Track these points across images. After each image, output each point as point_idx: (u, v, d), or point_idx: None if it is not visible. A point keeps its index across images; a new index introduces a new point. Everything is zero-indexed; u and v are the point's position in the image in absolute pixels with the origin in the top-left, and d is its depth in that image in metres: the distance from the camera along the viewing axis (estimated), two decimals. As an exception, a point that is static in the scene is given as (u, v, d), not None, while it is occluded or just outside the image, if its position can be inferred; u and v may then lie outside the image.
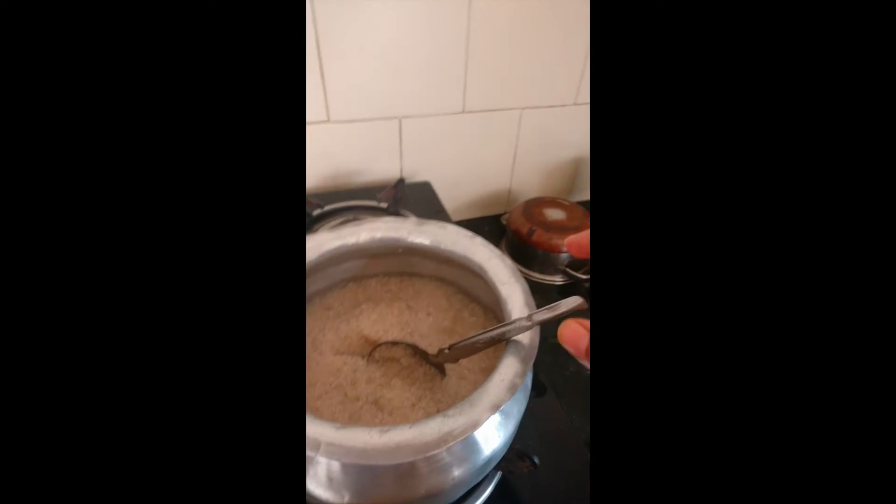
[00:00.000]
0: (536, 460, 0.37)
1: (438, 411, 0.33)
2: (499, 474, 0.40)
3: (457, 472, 0.28)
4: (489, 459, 0.30)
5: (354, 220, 0.40)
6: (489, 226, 0.83)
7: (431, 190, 0.75)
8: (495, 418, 0.29)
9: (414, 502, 0.28)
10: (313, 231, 0.41)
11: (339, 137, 0.69)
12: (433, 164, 0.77)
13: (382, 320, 0.41)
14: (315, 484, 0.27)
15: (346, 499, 0.27)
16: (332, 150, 0.70)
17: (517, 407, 0.31)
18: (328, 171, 0.72)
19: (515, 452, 0.37)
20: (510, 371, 0.28)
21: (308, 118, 0.66)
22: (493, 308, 0.40)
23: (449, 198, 0.78)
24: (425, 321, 0.41)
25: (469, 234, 0.38)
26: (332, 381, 0.37)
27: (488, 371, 0.30)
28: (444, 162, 0.77)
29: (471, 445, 0.28)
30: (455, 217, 0.82)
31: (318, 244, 0.37)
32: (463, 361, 0.37)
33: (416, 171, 0.77)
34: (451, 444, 0.24)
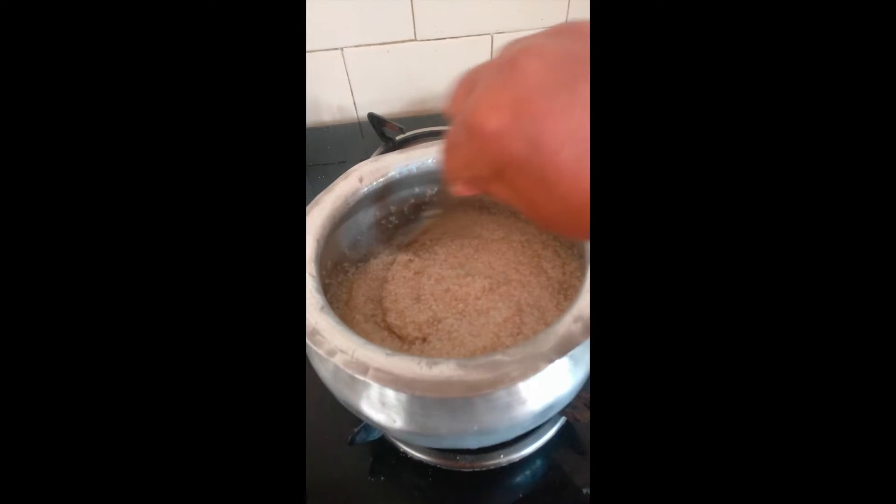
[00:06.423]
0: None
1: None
2: (563, 419, 0.37)
3: (514, 414, 0.26)
4: (552, 405, 0.27)
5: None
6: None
7: (522, 116, 0.68)
8: (562, 363, 0.26)
9: (468, 435, 0.27)
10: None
11: (426, 57, 0.64)
12: (527, 88, 0.70)
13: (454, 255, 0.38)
14: (368, 405, 0.27)
15: (398, 423, 0.26)
16: (417, 71, 0.66)
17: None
18: (414, 94, 0.68)
19: (584, 401, 0.34)
20: (587, 311, 0.24)
21: (392, 37, 0.62)
22: (577, 243, 0.36)
23: (542, 126, 0.71)
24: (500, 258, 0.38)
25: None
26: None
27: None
28: (540, 85, 0.70)
29: (532, 388, 0.26)
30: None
31: (387, 165, 0.34)
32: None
33: (508, 96, 0.71)
34: (505, 386, 0.21)
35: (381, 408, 0.26)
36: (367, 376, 0.23)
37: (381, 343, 0.34)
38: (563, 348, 0.23)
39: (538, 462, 0.36)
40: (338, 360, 0.24)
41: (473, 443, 0.31)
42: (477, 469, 0.36)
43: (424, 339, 0.34)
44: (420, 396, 0.23)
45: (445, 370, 0.22)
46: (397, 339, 0.35)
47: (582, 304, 0.25)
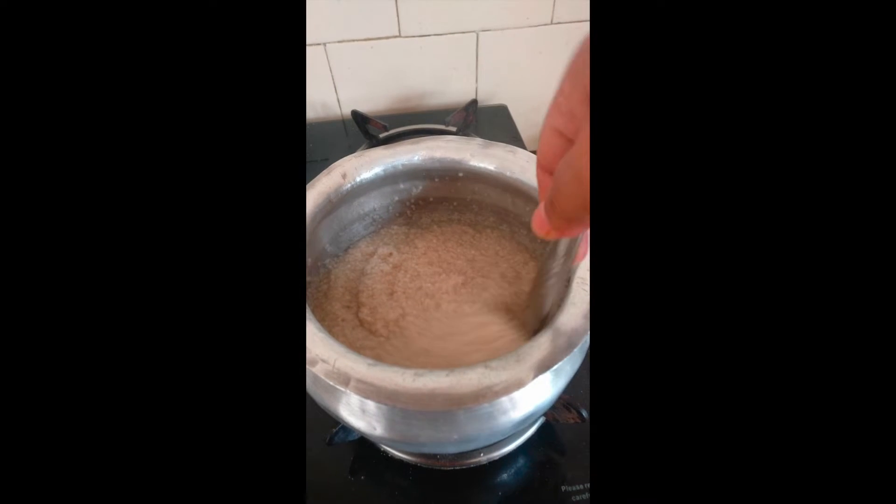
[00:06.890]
0: (585, 414, 0.34)
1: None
2: (542, 419, 0.38)
3: (496, 423, 0.26)
4: (533, 413, 0.27)
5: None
6: (568, 159, 0.75)
7: (508, 114, 0.68)
8: (545, 376, 0.27)
9: (448, 442, 0.27)
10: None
11: (411, 54, 0.64)
12: (512, 86, 0.70)
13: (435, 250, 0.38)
14: (348, 412, 0.27)
15: (378, 431, 0.26)
16: (402, 68, 0.65)
17: (572, 364, 0.28)
18: (398, 91, 0.68)
19: (563, 402, 0.34)
20: (570, 325, 0.24)
21: (376, 33, 0.61)
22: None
23: (527, 125, 0.71)
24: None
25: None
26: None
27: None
28: (525, 84, 0.70)
29: (515, 400, 0.26)
30: (531, 147, 0.76)
31: (372, 160, 0.34)
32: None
33: (493, 94, 0.70)
34: (488, 400, 0.22)
35: (362, 415, 0.26)
36: (348, 387, 0.23)
37: (352, 332, 0.34)
38: (546, 364, 0.23)
39: (518, 460, 0.37)
40: (318, 369, 0.23)
41: (453, 448, 0.31)
42: (458, 468, 0.36)
43: (389, 338, 0.34)
44: (402, 408, 0.23)
45: (429, 383, 0.22)
46: (369, 333, 0.35)
47: (564, 319, 0.25)
